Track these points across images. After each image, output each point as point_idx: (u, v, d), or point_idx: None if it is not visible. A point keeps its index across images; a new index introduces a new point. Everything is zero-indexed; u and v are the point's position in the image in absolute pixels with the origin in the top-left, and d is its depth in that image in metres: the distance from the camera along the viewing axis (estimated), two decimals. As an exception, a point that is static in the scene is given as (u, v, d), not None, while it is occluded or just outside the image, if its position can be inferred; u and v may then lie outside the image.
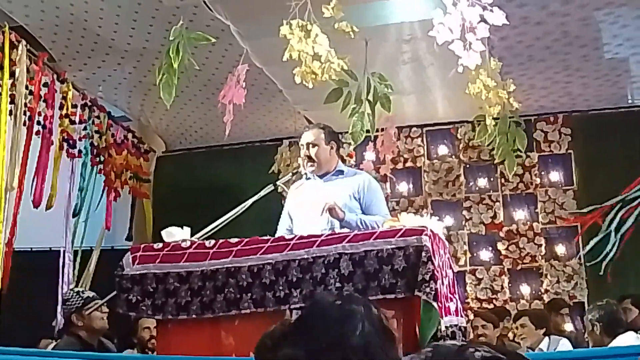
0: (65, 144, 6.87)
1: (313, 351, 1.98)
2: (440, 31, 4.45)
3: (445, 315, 3.81)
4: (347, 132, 5.78)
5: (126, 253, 4.32)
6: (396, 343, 2.07)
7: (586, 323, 5.48)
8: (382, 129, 7.54)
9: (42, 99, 6.48)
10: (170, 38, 5.27)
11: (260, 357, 2.55)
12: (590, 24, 6.43)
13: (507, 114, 6.01)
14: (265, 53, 6.28)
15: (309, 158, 4.76)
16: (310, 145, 4.77)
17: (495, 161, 6.84)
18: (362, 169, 7.54)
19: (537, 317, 6.22)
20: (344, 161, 8.30)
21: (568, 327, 7.39)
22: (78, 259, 7.40)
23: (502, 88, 5.52)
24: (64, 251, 7.15)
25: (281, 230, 4.83)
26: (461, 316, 4.24)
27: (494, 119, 5.74)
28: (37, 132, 6.42)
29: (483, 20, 4.43)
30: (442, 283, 3.83)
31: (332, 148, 4.82)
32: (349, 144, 8.05)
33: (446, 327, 3.80)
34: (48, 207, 6.55)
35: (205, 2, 5.75)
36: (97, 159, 7.57)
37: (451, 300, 4.01)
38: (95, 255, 7.65)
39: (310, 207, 4.69)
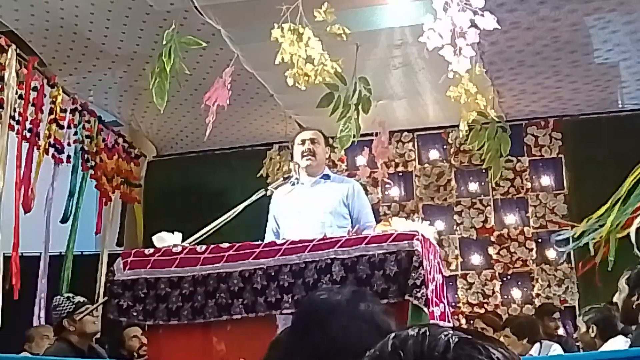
0: (52, 149, 6.84)
1: (302, 352, 1.95)
2: (431, 37, 4.46)
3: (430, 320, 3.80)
4: (332, 137, 5.80)
5: (117, 258, 4.32)
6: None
7: (580, 324, 5.46)
8: (376, 134, 7.54)
9: (31, 103, 6.46)
10: (163, 42, 5.26)
11: None
12: (581, 30, 6.45)
13: (494, 119, 6.03)
14: (256, 58, 6.28)
15: (311, 152, 4.76)
16: (314, 141, 4.79)
17: (484, 166, 6.87)
18: (356, 174, 7.57)
19: (519, 327, 6.19)
20: (335, 166, 8.34)
21: (560, 331, 7.39)
22: (67, 264, 7.38)
23: (482, 94, 5.53)
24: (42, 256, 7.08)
25: (269, 235, 4.83)
26: (448, 321, 4.23)
27: (470, 124, 5.76)
28: (25, 137, 6.39)
29: (473, 25, 4.44)
30: (427, 288, 3.83)
31: (326, 152, 4.87)
32: (335, 148, 8.09)
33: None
34: (27, 210, 6.50)
35: (196, 7, 5.74)
36: (88, 163, 7.54)
37: (437, 305, 4.00)
38: (103, 259, 7.63)
39: (300, 211, 4.70)
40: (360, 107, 5.77)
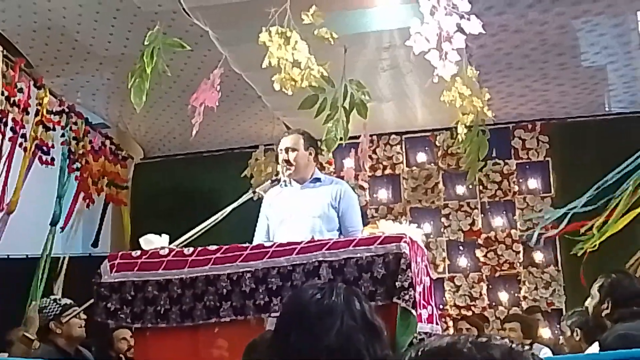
0: (38, 151, 6.81)
1: (288, 351, 1.93)
2: (417, 41, 4.45)
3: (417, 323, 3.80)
4: (320, 140, 5.79)
5: (104, 260, 4.30)
6: (383, 338, 2.00)
7: (564, 329, 5.48)
8: (359, 136, 7.55)
9: (17, 104, 6.43)
10: (146, 42, 5.24)
11: None
12: (568, 33, 6.48)
13: (479, 122, 6.05)
14: (245, 59, 6.27)
15: (287, 162, 4.75)
16: (290, 150, 4.76)
17: (462, 169, 6.90)
18: (342, 177, 7.56)
19: (528, 326, 6.26)
20: (322, 168, 8.34)
21: (543, 332, 7.42)
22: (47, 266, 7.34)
23: (477, 97, 5.55)
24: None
25: (259, 234, 4.82)
26: (437, 323, 4.23)
27: (468, 127, 5.77)
28: (11, 139, 6.37)
29: (460, 29, 4.44)
30: (415, 290, 3.83)
31: (310, 154, 4.80)
32: (322, 150, 8.10)
33: (417, 334, 3.79)
34: (10, 211, 6.47)
35: (184, 8, 5.72)
36: (74, 165, 7.51)
37: (424, 307, 4.00)
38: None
39: (289, 215, 4.69)
40: (355, 111, 5.75)
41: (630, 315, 3.85)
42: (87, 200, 7.82)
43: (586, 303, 4.21)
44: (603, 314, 3.97)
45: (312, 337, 1.91)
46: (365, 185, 8.59)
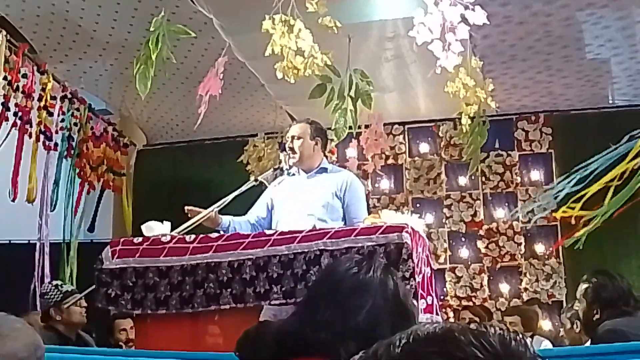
0: (42, 136, 6.81)
1: (313, 324, 1.87)
2: (420, 31, 4.44)
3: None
4: (329, 128, 5.79)
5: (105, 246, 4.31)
6: (413, 323, 1.97)
7: (564, 321, 5.47)
8: (367, 126, 7.54)
9: (21, 90, 6.43)
10: (151, 29, 5.23)
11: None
12: (573, 25, 6.46)
13: (481, 113, 6.05)
14: (248, 47, 6.26)
15: (292, 150, 4.76)
16: (295, 138, 4.77)
17: (464, 160, 6.89)
18: (346, 167, 7.55)
19: (527, 319, 6.27)
20: (324, 157, 8.32)
21: (543, 325, 7.43)
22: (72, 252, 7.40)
23: (481, 87, 5.54)
24: (38, 244, 7.05)
25: (254, 209, 4.85)
26: (437, 314, 4.23)
27: (471, 117, 5.76)
28: (15, 124, 6.37)
29: (464, 20, 4.43)
30: (415, 280, 3.83)
31: (316, 144, 4.80)
32: (332, 140, 8.08)
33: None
34: (29, 200, 6.51)
35: (188, -5, 5.72)
36: (74, 151, 7.50)
37: (423, 297, 4.00)
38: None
39: (293, 203, 4.69)
40: (360, 102, 5.75)
41: (620, 314, 3.86)
42: (88, 187, 7.82)
43: (575, 306, 4.21)
44: (594, 319, 3.98)
45: (342, 312, 1.86)
46: (381, 173, 8.50)
